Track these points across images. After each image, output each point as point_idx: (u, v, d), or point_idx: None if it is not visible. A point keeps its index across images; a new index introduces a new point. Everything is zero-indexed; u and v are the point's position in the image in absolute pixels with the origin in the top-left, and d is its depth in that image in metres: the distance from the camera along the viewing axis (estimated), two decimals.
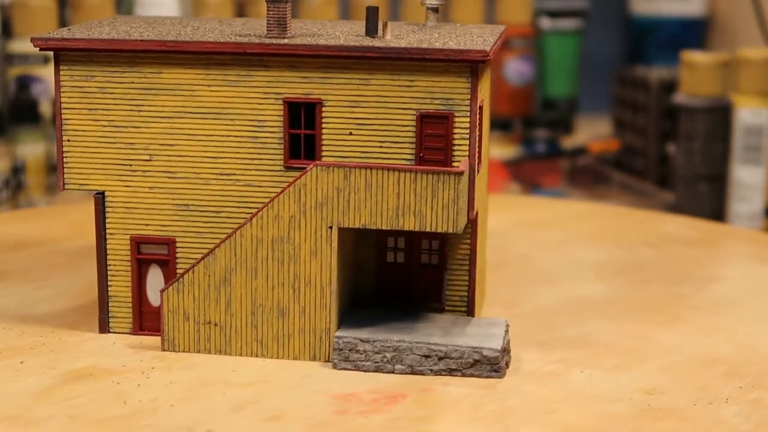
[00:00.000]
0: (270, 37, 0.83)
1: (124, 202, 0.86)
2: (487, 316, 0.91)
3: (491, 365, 0.79)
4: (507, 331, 0.83)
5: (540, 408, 0.76)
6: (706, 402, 0.77)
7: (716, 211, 1.52)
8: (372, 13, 0.82)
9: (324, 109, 0.82)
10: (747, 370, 0.82)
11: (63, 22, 1.56)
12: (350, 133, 0.82)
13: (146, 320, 0.88)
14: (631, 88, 1.71)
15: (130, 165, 0.86)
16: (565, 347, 0.86)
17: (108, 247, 0.87)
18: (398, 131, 0.81)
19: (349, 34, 0.85)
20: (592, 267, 1.07)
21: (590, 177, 1.70)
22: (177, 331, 0.85)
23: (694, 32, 1.88)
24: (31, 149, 1.47)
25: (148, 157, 0.85)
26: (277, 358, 0.84)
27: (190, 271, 0.84)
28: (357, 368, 0.81)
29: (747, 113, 1.49)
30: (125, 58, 0.84)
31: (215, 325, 0.84)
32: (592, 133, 1.83)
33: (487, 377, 0.79)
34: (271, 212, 0.82)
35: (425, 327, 0.83)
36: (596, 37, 1.93)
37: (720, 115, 1.51)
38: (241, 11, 1.66)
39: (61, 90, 0.85)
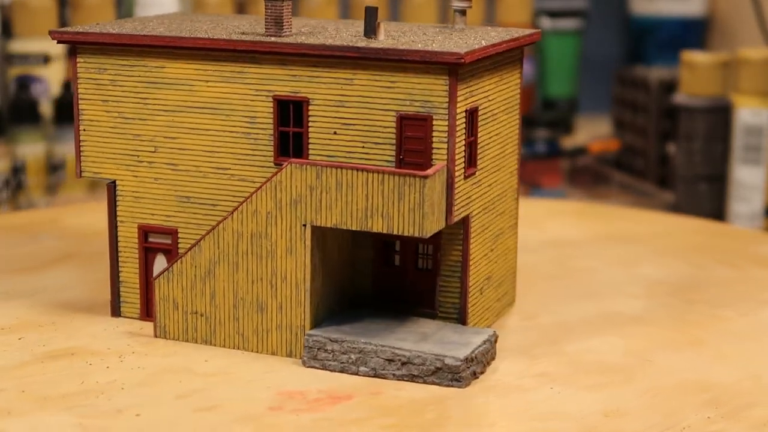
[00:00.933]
0: (266, 35, 0.84)
1: (133, 192, 0.89)
2: (503, 325, 0.90)
3: (452, 374, 0.77)
4: (489, 342, 0.81)
5: (477, 421, 0.73)
6: (661, 429, 0.73)
7: (716, 211, 1.52)
8: (370, 14, 0.82)
9: (311, 107, 0.82)
10: (730, 401, 0.78)
11: (63, 22, 1.56)
12: (335, 133, 0.82)
13: (153, 307, 0.89)
14: (631, 88, 1.71)
15: (138, 156, 0.88)
16: (553, 362, 0.83)
17: (119, 234, 0.90)
18: (380, 132, 0.81)
19: (349, 33, 0.85)
20: (647, 284, 1.03)
21: (590, 177, 1.70)
22: (168, 319, 0.87)
23: (694, 32, 1.88)
24: (31, 149, 1.47)
25: (153, 149, 0.87)
26: (257, 352, 0.84)
27: (179, 261, 0.85)
28: (324, 367, 0.81)
29: (747, 113, 1.49)
30: (133, 52, 0.86)
31: (201, 315, 0.85)
32: (592, 133, 1.83)
33: (448, 386, 0.77)
34: (250, 207, 0.83)
35: (403, 331, 0.82)
36: (596, 37, 1.93)
37: (720, 115, 1.51)
38: (241, 11, 1.66)
39: (78, 82, 0.88)
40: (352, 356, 0.80)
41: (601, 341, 0.89)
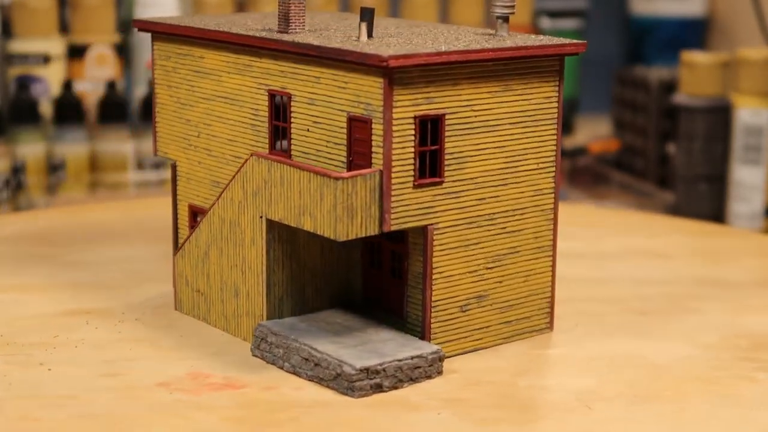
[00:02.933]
0: (274, 31, 0.84)
1: (186, 173, 0.92)
2: (499, 350, 0.85)
3: (347, 382, 0.75)
4: (423, 359, 0.78)
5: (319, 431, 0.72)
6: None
7: (716, 212, 1.52)
8: (365, 14, 0.81)
9: (293, 103, 0.83)
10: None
11: (63, 22, 1.56)
12: (308, 130, 0.82)
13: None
14: (631, 88, 1.71)
15: (188, 140, 0.92)
16: (481, 392, 0.78)
17: (178, 213, 0.94)
18: (337, 132, 0.80)
19: (353, 31, 0.85)
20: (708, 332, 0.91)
21: (590, 177, 1.70)
22: (183, 294, 0.91)
23: (694, 32, 1.88)
24: (31, 149, 1.47)
25: (197, 134, 0.91)
26: (234, 335, 0.87)
27: (188, 241, 0.89)
28: (263, 358, 0.81)
29: (747, 113, 1.49)
30: (185, 42, 0.90)
31: (201, 294, 0.89)
32: (592, 133, 1.84)
33: (344, 394, 0.76)
34: (228, 195, 0.85)
35: (345, 335, 0.81)
36: (596, 37, 1.93)
37: (720, 115, 1.51)
38: (240, 11, 1.66)
39: (154, 67, 0.94)
40: (281, 351, 0.80)
41: (546, 382, 0.81)
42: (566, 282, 0.98)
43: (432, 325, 0.82)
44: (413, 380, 0.78)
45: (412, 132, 0.78)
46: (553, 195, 0.87)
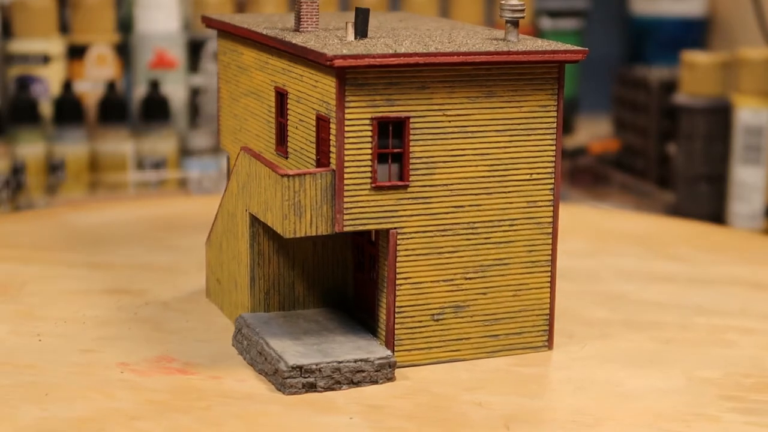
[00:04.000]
0: (291, 31, 0.85)
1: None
2: (477, 364, 0.82)
3: (281, 378, 0.75)
4: (369, 363, 0.77)
5: (219, 422, 0.72)
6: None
7: (716, 212, 1.52)
8: (359, 14, 0.81)
9: (288, 100, 0.84)
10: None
11: (63, 22, 1.56)
12: (296, 127, 0.83)
13: None
14: (631, 88, 1.71)
15: (234, 134, 0.94)
16: (406, 402, 0.76)
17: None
18: (311, 130, 0.81)
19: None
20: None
21: (590, 177, 1.70)
22: (209, 283, 0.93)
23: (694, 32, 1.88)
24: (31, 149, 1.47)
25: (239, 128, 0.93)
26: (234, 325, 0.87)
27: (212, 231, 0.92)
28: (237, 349, 0.82)
29: (747, 113, 1.49)
30: (232, 39, 0.92)
31: (219, 283, 0.91)
32: (592, 133, 1.84)
33: (278, 389, 0.76)
34: (229, 188, 0.87)
35: (311, 335, 0.81)
36: (596, 37, 1.93)
37: (720, 115, 1.51)
38: (240, 11, 1.66)
39: (218, 63, 0.97)
40: (245, 343, 0.81)
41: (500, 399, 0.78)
42: (641, 305, 0.95)
43: (397, 331, 0.80)
44: (355, 384, 0.77)
45: (369, 133, 0.78)
46: (551, 208, 0.83)
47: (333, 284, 0.87)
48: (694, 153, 1.52)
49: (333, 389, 0.76)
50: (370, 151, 0.78)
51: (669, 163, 1.62)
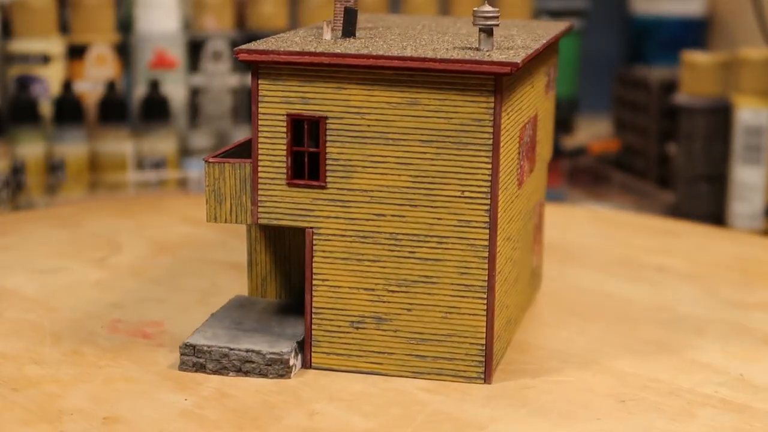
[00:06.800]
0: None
1: None
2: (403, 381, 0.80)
3: (181, 355, 0.80)
4: (259, 355, 0.79)
5: (89, 378, 0.79)
6: None
7: (716, 212, 1.52)
8: (347, 14, 0.82)
9: None
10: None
11: (63, 22, 1.56)
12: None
13: None
14: (632, 88, 1.71)
15: None
16: (244, 396, 0.77)
17: None
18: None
19: (380, 31, 0.86)
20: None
21: (590, 177, 1.70)
22: None
23: (694, 32, 1.88)
24: (31, 149, 1.47)
25: None
26: None
27: None
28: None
29: (747, 113, 1.49)
30: None
31: None
32: (592, 133, 1.84)
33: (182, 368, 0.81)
34: None
35: (263, 321, 0.84)
36: (596, 37, 1.93)
37: (720, 115, 1.51)
38: (240, 11, 1.66)
39: None
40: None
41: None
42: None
43: (314, 333, 0.80)
44: (243, 373, 0.79)
45: (283, 130, 0.78)
46: (486, 230, 0.77)
47: None
48: (694, 153, 1.52)
49: (221, 374, 0.79)
50: (284, 148, 0.78)
51: (669, 163, 1.62)
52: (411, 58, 0.75)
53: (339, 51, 0.76)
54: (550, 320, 0.92)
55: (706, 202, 1.53)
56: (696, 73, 1.52)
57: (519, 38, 0.84)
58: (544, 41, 0.84)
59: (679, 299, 0.98)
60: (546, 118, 0.95)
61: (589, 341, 0.88)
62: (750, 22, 1.74)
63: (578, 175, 1.70)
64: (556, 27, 0.94)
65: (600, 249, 1.12)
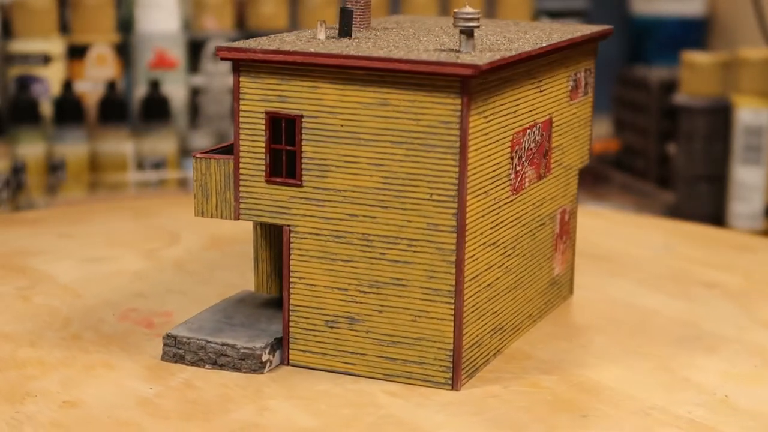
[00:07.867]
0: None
1: None
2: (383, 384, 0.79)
3: (163, 345, 0.81)
4: (233, 349, 0.79)
5: (71, 362, 0.80)
6: None
7: (716, 212, 1.52)
8: (343, 15, 0.82)
9: None
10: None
11: (63, 22, 1.56)
12: None
13: None
14: (632, 88, 1.71)
15: None
16: (209, 390, 0.78)
17: None
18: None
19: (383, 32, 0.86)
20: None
21: (590, 177, 1.70)
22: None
23: (694, 32, 1.88)
24: (31, 149, 1.47)
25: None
26: None
27: None
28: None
29: (747, 113, 1.49)
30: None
31: None
32: (592, 133, 1.83)
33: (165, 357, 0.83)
34: None
35: (255, 315, 0.85)
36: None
37: (720, 115, 1.51)
38: (241, 11, 1.66)
39: None
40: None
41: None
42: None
43: (291, 330, 0.81)
44: (219, 366, 0.80)
45: (262, 127, 0.79)
46: (454, 234, 0.76)
47: None
48: (694, 153, 1.52)
49: (198, 365, 0.80)
50: (263, 145, 0.79)
51: (669, 163, 1.62)
52: (379, 59, 0.75)
53: (313, 50, 0.76)
54: (560, 331, 0.89)
55: (706, 202, 1.53)
56: (696, 73, 1.52)
57: (519, 41, 0.84)
58: (545, 44, 0.84)
59: (709, 316, 0.93)
60: (572, 123, 0.94)
61: (585, 353, 0.85)
62: (750, 22, 1.74)
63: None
64: (586, 30, 0.94)
65: (654, 261, 1.08)
